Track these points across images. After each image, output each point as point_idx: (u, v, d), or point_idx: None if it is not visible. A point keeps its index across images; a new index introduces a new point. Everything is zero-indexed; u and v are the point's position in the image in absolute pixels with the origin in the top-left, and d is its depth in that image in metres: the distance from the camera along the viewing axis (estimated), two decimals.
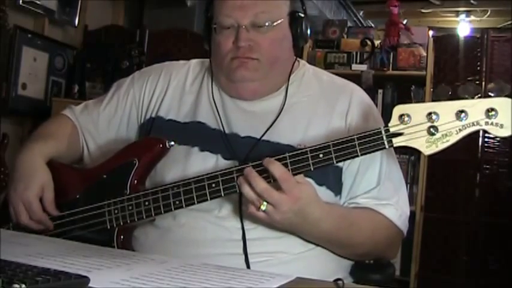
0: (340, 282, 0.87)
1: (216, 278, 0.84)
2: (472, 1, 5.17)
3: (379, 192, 1.21)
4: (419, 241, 3.13)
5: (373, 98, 3.17)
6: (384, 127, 1.04)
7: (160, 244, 1.18)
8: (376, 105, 2.99)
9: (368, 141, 1.04)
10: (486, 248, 3.14)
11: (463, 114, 1.00)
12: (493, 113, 0.99)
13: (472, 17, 5.60)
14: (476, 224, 3.18)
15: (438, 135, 1.01)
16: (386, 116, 1.05)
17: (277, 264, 1.12)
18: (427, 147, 1.02)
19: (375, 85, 3.27)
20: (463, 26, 5.57)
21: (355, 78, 2.95)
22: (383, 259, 1.29)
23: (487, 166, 3.22)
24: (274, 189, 1.03)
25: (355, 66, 3.38)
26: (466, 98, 1.01)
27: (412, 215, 2.84)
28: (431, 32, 3.40)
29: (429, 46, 3.23)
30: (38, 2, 3.28)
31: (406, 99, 3.26)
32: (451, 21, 5.76)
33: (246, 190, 1.04)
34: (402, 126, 1.03)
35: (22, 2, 3.17)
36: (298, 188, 1.04)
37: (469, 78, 3.26)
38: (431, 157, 2.84)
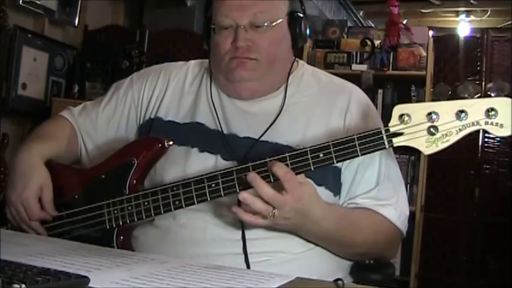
0: (340, 282, 0.87)
1: (216, 278, 0.84)
2: (472, 1, 5.17)
3: (379, 192, 1.21)
4: (419, 241, 3.13)
5: (373, 98, 3.17)
6: (384, 127, 1.04)
7: (160, 244, 1.17)
8: (376, 105, 3.00)
9: (368, 141, 1.04)
10: (486, 248, 3.14)
11: (463, 114, 1.00)
12: (493, 112, 0.99)
13: (472, 17, 5.61)
14: (476, 224, 3.18)
15: (438, 135, 1.01)
16: (386, 116, 1.05)
17: (277, 263, 1.12)
18: (427, 147, 1.02)
19: (374, 85, 3.27)
20: (463, 26, 5.57)
21: (355, 78, 2.97)
22: (382, 259, 1.30)
23: (487, 166, 3.22)
24: (276, 191, 1.03)
25: (355, 66, 3.37)
26: (466, 98, 1.02)
27: (412, 215, 2.85)
28: (431, 32, 3.40)
29: (429, 46, 3.23)
30: (38, 2, 3.28)
31: (406, 99, 3.26)
32: (451, 21, 5.76)
33: (255, 204, 1.03)
34: (402, 126, 1.03)
35: (22, 2, 3.16)
36: (300, 188, 1.04)
37: (469, 78, 3.25)
38: (431, 157, 2.85)
